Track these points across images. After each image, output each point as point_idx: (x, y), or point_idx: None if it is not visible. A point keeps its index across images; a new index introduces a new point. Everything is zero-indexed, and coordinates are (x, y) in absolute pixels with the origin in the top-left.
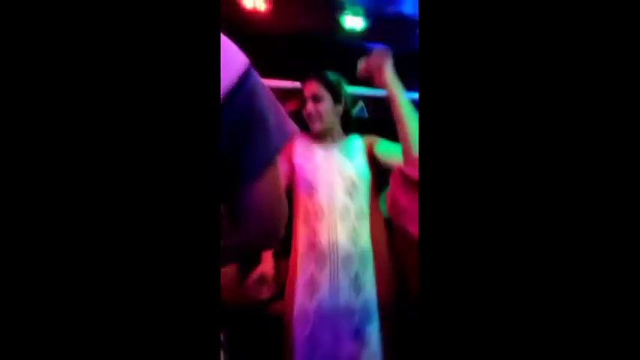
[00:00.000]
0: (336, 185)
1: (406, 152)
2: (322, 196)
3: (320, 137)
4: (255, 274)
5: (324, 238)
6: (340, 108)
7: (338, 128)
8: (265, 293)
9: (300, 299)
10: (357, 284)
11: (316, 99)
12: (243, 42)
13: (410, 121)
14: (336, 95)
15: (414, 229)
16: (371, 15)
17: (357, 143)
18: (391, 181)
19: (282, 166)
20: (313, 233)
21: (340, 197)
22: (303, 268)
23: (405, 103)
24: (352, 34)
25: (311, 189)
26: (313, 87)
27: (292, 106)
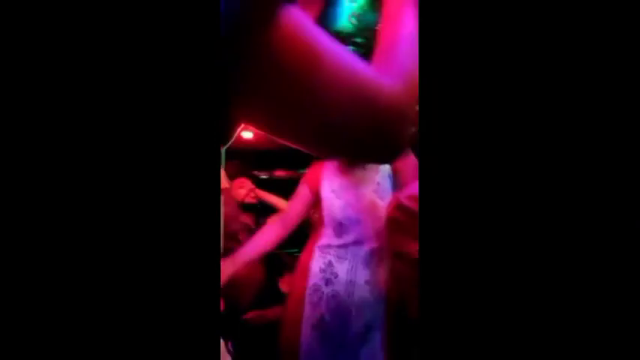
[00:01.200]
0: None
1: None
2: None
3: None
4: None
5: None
6: None
7: None
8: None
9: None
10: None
11: None
12: None
13: None
14: None
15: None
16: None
17: (385, 170)
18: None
19: (306, 194)
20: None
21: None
22: (319, 257)
23: None
24: None
25: (340, 227)
26: None
27: None
